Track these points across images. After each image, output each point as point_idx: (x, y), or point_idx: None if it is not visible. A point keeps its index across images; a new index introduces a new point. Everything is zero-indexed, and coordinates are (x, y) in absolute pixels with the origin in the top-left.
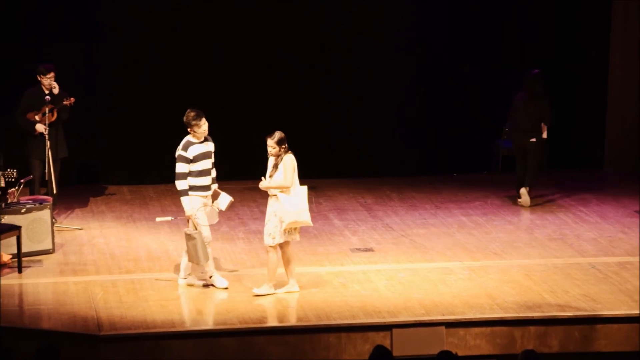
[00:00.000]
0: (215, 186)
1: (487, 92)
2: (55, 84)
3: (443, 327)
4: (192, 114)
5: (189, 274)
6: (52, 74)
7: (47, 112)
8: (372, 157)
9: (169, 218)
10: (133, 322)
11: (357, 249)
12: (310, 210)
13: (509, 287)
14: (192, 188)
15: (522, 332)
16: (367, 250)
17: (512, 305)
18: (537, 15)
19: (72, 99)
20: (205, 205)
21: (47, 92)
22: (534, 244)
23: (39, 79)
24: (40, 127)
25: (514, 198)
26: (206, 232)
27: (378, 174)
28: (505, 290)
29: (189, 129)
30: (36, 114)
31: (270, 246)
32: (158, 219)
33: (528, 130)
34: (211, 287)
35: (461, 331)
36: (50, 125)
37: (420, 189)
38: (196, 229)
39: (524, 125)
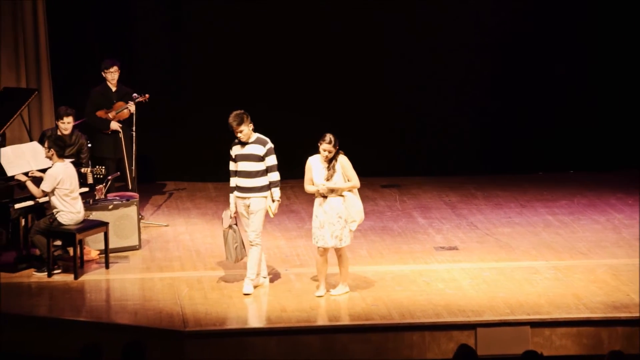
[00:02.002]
0: (274, 190)
1: (576, 89)
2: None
3: (528, 327)
4: (230, 118)
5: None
6: (115, 68)
7: (123, 108)
8: (457, 155)
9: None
10: (218, 318)
11: (441, 247)
12: (395, 208)
13: (596, 287)
14: (236, 188)
15: (609, 333)
16: (451, 248)
17: (598, 305)
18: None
19: (146, 95)
20: (246, 207)
21: (113, 88)
22: (621, 243)
23: (103, 74)
24: (115, 125)
25: (605, 197)
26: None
27: (462, 172)
28: (592, 290)
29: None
30: (107, 112)
31: (341, 247)
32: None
33: None
34: (297, 285)
35: (547, 331)
36: (123, 123)
37: (505, 188)
38: (231, 227)
39: None
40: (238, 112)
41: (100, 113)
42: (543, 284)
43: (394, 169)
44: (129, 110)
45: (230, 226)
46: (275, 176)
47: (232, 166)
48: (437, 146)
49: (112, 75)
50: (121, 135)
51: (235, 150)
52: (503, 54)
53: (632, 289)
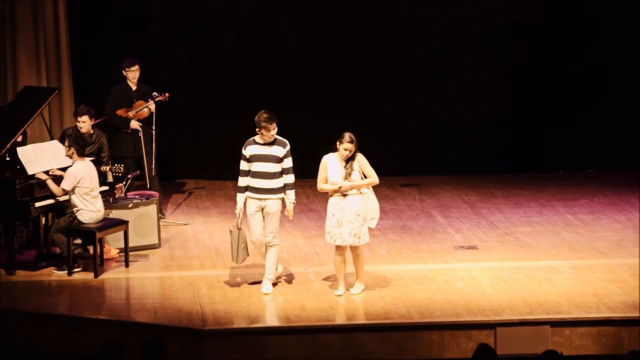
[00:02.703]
0: (289, 192)
1: (597, 88)
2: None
3: (548, 326)
4: (265, 115)
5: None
6: (136, 67)
7: (143, 107)
8: (476, 154)
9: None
10: (237, 317)
11: (460, 246)
12: (414, 207)
13: (616, 286)
14: (249, 188)
15: (630, 333)
16: (470, 247)
17: (619, 305)
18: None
19: (166, 94)
20: (260, 208)
21: (133, 87)
22: None
23: (124, 73)
24: (135, 124)
25: (625, 196)
26: (256, 235)
27: (482, 171)
28: (612, 290)
29: (257, 130)
30: (127, 111)
31: (357, 246)
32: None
33: None
34: (316, 284)
35: (567, 330)
36: (143, 122)
37: (525, 187)
38: (238, 227)
39: None
40: (268, 111)
41: (120, 112)
42: (563, 283)
43: (413, 168)
44: (149, 109)
45: (239, 227)
46: (291, 178)
47: (245, 166)
48: (457, 145)
49: (132, 74)
50: (141, 134)
51: (252, 151)
52: (524, 52)
53: None
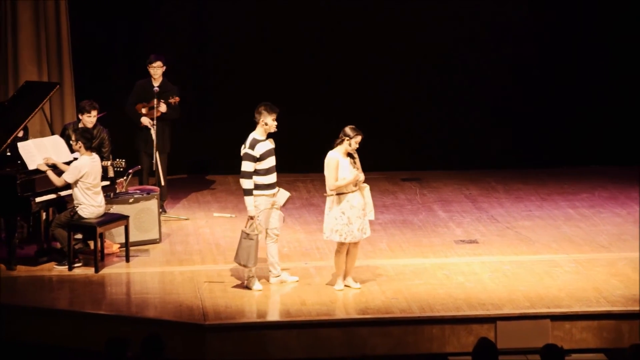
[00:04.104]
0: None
1: (598, 83)
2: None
3: (548, 320)
4: (271, 105)
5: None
6: (159, 63)
7: (154, 106)
8: (477, 148)
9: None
10: (238, 311)
11: (461, 240)
12: (415, 201)
13: (617, 280)
14: (259, 187)
15: (630, 326)
16: (471, 242)
17: (619, 298)
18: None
19: (177, 98)
20: (273, 204)
21: (156, 83)
22: None
23: (148, 69)
24: (145, 121)
25: (626, 190)
26: (274, 224)
27: (483, 166)
28: (612, 284)
29: (260, 122)
30: (144, 106)
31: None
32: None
33: None
34: (317, 279)
35: (567, 324)
36: (156, 120)
37: (526, 181)
38: (256, 230)
39: None
40: (268, 102)
41: (139, 106)
42: (563, 277)
43: (414, 162)
44: (159, 110)
45: (259, 231)
46: None
47: (253, 167)
48: (458, 139)
49: (154, 70)
50: (152, 131)
51: (261, 148)
52: (524, 48)
53: None
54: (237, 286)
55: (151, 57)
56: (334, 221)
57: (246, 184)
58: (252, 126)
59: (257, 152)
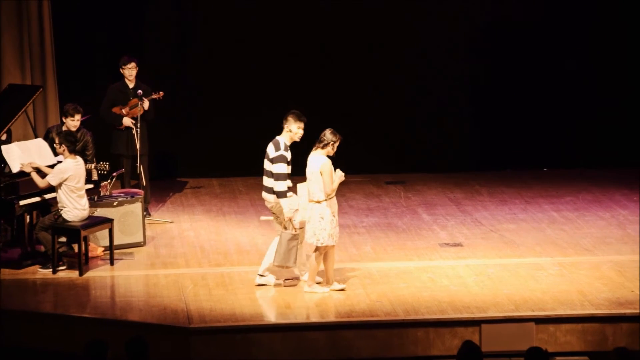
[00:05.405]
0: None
1: (582, 85)
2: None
3: (533, 323)
4: (296, 114)
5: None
6: (132, 64)
7: (137, 104)
8: (461, 151)
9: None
10: (222, 315)
11: (445, 243)
12: (399, 204)
13: (601, 283)
14: (290, 189)
15: (614, 329)
16: (455, 245)
17: (603, 301)
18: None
19: (161, 92)
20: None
21: (130, 85)
22: (626, 239)
23: (121, 71)
24: (127, 121)
25: (610, 193)
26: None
27: (467, 169)
28: (596, 287)
29: (286, 128)
30: (122, 108)
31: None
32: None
33: None
34: (301, 282)
35: (551, 327)
36: (136, 119)
37: (510, 184)
38: (296, 230)
39: None
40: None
41: (115, 109)
42: (548, 280)
43: (398, 165)
44: (142, 108)
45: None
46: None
47: (287, 169)
48: (442, 143)
49: (129, 72)
50: (134, 131)
51: (289, 154)
52: (508, 50)
53: (636, 286)
54: (222, 290)
55: (124, 59)
56: (328, 225)
57: (281, 185)
58: (237, 128)
59: (289, 155)
